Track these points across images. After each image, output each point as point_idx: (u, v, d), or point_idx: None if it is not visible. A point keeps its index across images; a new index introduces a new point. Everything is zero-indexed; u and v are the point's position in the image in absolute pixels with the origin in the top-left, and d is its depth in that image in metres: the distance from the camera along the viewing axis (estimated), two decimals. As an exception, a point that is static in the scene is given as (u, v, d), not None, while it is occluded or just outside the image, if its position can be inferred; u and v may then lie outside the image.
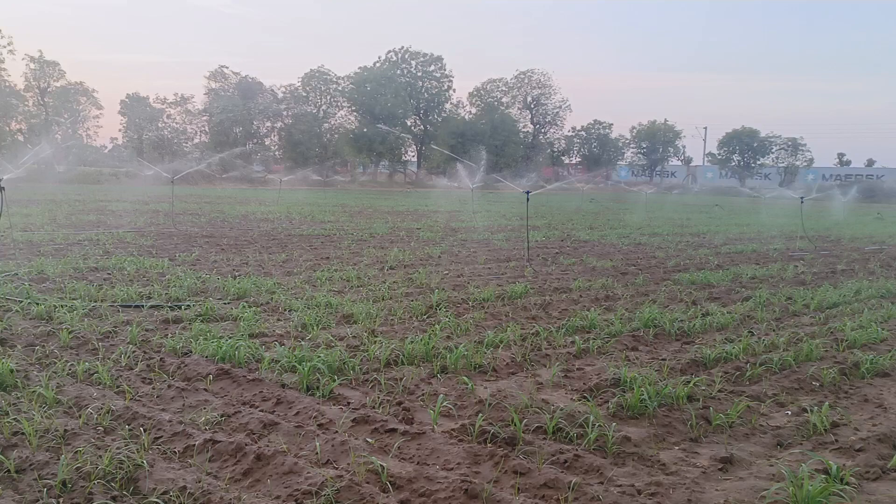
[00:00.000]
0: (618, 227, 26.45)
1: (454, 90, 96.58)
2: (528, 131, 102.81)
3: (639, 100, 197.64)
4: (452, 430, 5.18)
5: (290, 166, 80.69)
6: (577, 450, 4.83)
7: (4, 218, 12.91)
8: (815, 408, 5.77)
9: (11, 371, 5.96)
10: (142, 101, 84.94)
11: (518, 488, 4.29)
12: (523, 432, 5.09)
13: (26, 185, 41.88)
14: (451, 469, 4.55)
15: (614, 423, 5.25)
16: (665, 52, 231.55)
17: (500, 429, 5.09)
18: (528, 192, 14.73)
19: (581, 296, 10.79)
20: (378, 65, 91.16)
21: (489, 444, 4.91)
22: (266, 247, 16.45)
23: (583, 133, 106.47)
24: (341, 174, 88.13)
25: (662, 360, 7.22)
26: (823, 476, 4.44)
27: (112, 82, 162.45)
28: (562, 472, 4.50)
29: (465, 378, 6.28)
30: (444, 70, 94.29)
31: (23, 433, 4.76)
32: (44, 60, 77.70)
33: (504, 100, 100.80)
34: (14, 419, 4.98)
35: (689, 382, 6.21)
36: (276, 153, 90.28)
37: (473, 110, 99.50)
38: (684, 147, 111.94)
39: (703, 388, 6.21)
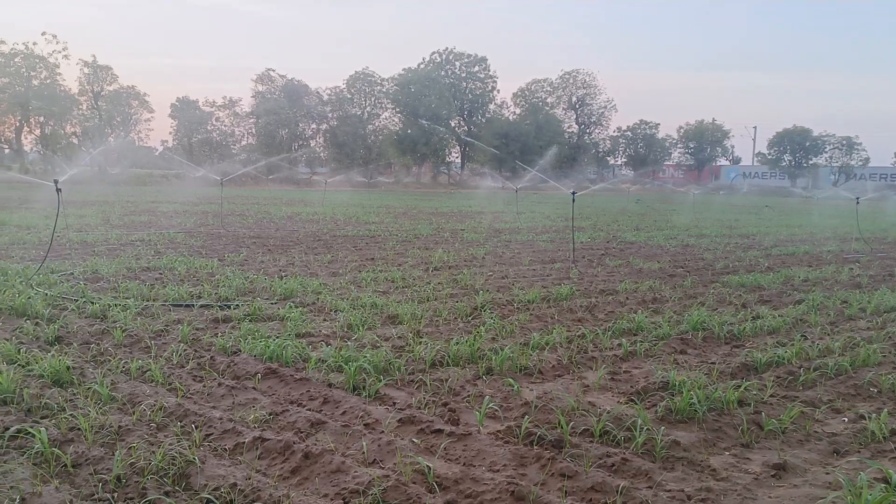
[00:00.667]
0: (665, 229, 26.09)
1: (498, 91, 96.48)
2: (572, 132, 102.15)
3: (687, 99, 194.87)
4: (498, 431, 5.16)
5: (335, 168, 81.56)
6: (624, 453, 4.77)
7: (61, 218, 13.29)
8: (874, 415, 5.60)
9: (68, 368, 6.13)
10: (191, 104, 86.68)
11: (565, 491, 4.25)
12: (570, 435, 5.05)
13: (81, 186, 43.12)
14: (498, 471, 4.53)
15: (663, 427, 5.17)
16: (714, 50, 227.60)
17: (547, 431, 5.06)
18: (573, 193, 14.61)
19: (628, 298, 10.66)
20: (422, 66, 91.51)
21: (535, 447, 4.88)
22: (312, 248, 16.63)
23: (628, 133, 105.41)
24: (385, 175, 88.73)
25: (711, 363, 7.09)
26: (883, 485, 4.30)
27: (163, 86, 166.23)
28: (609, 475, 4.45)
29: (510, 380, 6.25)
30: (488, 71, 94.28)
31: (79, 429, 4.88)
32: (97, 65, 79.79)
33: (549, 100, 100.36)
34: (70, 415, 5.12)
35: (739, 387, 6.09)
36: (322, 155, 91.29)
37: (518, 111, 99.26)
38: (733, 147, 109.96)
39: (755, 392, 6.09)
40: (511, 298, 10.22)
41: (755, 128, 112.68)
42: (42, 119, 76.00)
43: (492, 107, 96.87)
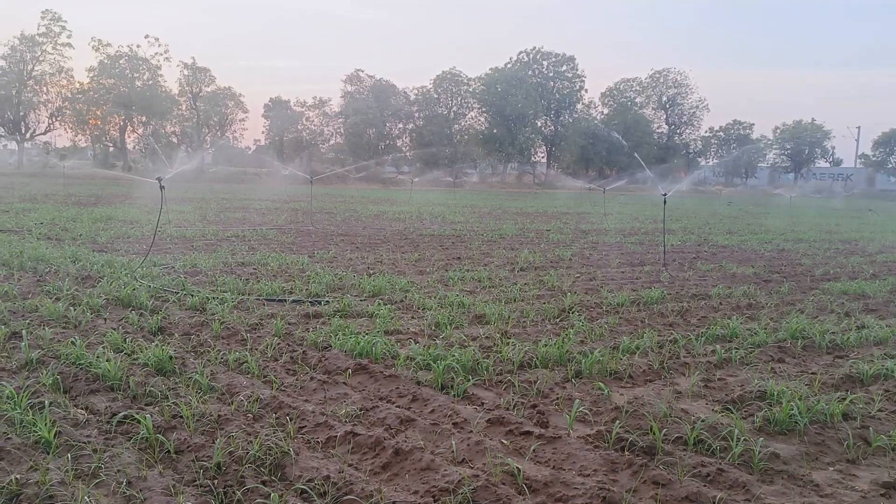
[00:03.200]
0: (759, 232, 25.16)
1: (586, 90, 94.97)
2: (662, 132, 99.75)
3: (784, 99, 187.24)
4: (588, 435, 5.09)
5: (421, 167, 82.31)
6: (720, 463, 4.62)
7: (162, 214, 13.91)
8: None
9: (170, 358, 6.40)
10: (283, 104, 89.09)
11: (658, 500, 4.15)
12: (662, 442, 4.93)
13: (179, 184, 44.96)
14: (588, 475, 4.47)
15: (761, 438, 4.98)
16: (817, 48, 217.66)
17: (638, 437, 4.95)
18: (664, 195, 14.27)
19: (721, 303, 10.33)
20: (509, 66, 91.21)
21: (627, 453, 4.78)
22: (399, 246, 16.82)
23: (721, 134, 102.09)
24: (470, 175, 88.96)
25: (812, 374, 6.79)
26: None
27: (257, 87, 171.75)
28: (704, 485, 4.32)
29: (600, 384, 6.16)
30: (576, 70, 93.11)
31: (181, 416, 5.09)
32: (196, 67, 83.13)
33: (638, 100, 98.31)
34: (173, 403, 5.34)
35: (844, 399, 5.81)
36: (408, 154, 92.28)
37: (605, 111, 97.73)
38: (833, 148, 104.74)
39: (861, 406, 5.78)
40: (599, 301, 10.07)
41: (858, 128, 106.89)
42: (144, 119, 79.76)
43: (579, 106, 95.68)
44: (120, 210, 24.93)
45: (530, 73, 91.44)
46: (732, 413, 5.55)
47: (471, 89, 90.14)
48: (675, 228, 25.35)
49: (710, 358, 7.26)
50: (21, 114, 74.16)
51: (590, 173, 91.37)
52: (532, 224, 25.68)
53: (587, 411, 5.52)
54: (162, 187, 12.69)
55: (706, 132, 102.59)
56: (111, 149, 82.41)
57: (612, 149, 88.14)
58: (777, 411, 5.43)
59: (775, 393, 5.92)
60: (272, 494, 3.95)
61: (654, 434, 4.97)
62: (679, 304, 10.14)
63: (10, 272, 10.79)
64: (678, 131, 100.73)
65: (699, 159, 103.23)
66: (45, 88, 75.23)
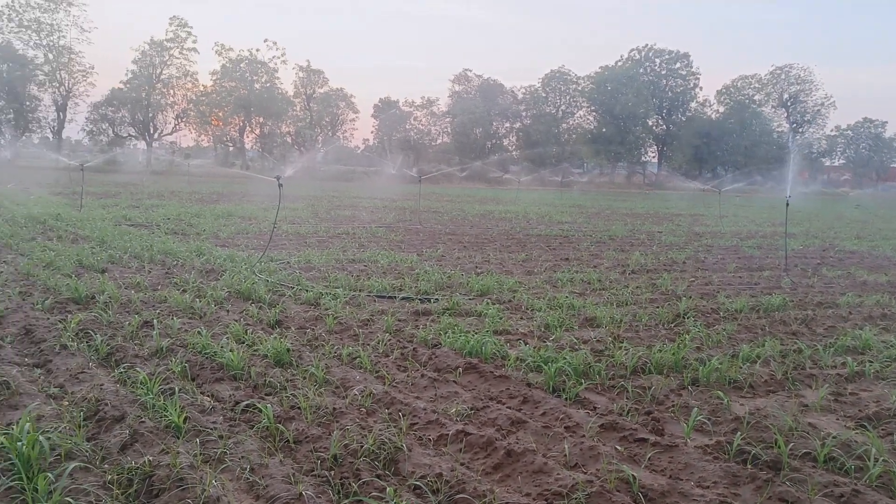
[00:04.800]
0: (892, 238, 23.55)
1: (700, 88, 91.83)
2: (782, 131, 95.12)
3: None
4: (707, 445, 4.89)
5: (527, 166, 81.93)
6: (855, 484, 4.33)
7: (277, 211, 14.43)
8: None
9: (288, 350, 6.60)
10: (392, 104, 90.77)
11: (786, 519, 3.93)
12: (788, 457, 4.66)
13: (293, 182, 46.59)
14: (708, 487, 4.29)
15: (901, 460, 4.63)
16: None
17: (762, 450, 4.71)
18: (788, 197, 13.58)
19: (851, 312, 9.71)
20: (620, 64, 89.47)
21: (749, 466, 4.56)
22: (505, 245, 16.77)
23: (849, 133, 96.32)
24: (578, 175, 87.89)
25: (958, 392, 6.27)
26: None
27: (367, 87, 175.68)
28: (837, 507, 4.06)
29: (718, 392, 5.90)
30: (691, 67, 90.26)
31: (299, 408, 5.24)
32: (310, 69, 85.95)
33: (756, 97, 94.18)
34: (291, 394, 5.50)
35: None
36: (514, 153, 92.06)
37: (721, 109, 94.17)
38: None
39: None
40: (716, 306, 9.68)
41: None
42: (262, 120, 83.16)
43: (693, 105, 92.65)
44: (238, 207, 26.06)
45: (641, 70, 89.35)
46: (868, 431, 5.19)
47: (580, 88, 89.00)
48: (796, 232, 24.10)
49: (840, 370, 6.83)
50: (150, 115, 78.83)
51: (703, 174, 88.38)
52: (643, 225, 25.04)
53: (705, 420, 5.31)
54: (280, 185, 13.15)
55: (832, 131, 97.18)
56: (231, 148, 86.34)
57: (729, 149, 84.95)
58: (918, 431, 5.05)
59: (916, 411, 5.51)
60: (387, 489, 3.99)
61: (780, 448, 4.71)
62: (803, 311, 9.61)
63: (142, 264, 11.45)
64: (800, 130, 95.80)
65: (823, 159, 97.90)
66: (171, 91, 79.76)
